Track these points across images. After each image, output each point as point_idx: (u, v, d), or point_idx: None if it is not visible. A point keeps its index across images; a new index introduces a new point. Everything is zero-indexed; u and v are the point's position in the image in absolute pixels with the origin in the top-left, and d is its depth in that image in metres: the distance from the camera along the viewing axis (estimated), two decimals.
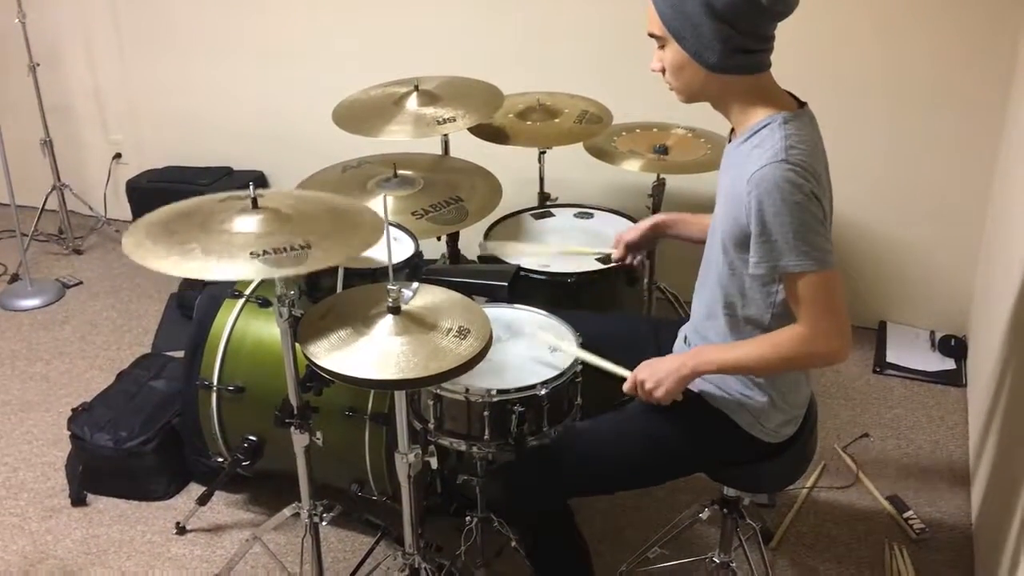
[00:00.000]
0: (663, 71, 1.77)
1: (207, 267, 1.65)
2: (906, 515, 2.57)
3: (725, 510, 2.20)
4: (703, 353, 1.83)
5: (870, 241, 3.36)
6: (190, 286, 3.50)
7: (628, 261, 2.32)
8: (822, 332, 1.69)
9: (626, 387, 1.87)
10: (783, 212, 1.61)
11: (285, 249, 1.68)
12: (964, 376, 3.18)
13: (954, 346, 3.27)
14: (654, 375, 1.82)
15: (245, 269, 1.65)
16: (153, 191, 3.92)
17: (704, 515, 2.26)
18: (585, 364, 2.02)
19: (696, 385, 1.91)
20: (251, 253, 1.66)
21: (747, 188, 1.64)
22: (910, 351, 3.31)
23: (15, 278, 3.87)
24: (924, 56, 3.07)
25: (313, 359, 1.68)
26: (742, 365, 1.79)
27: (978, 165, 3.14)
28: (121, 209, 4.19)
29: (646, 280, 2.94)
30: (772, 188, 1.61)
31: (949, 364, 3.24)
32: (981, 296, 3.15)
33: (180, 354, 2.68)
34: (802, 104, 1.78)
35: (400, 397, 1.84)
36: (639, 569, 2.36)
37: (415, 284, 1.82)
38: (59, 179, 4.02)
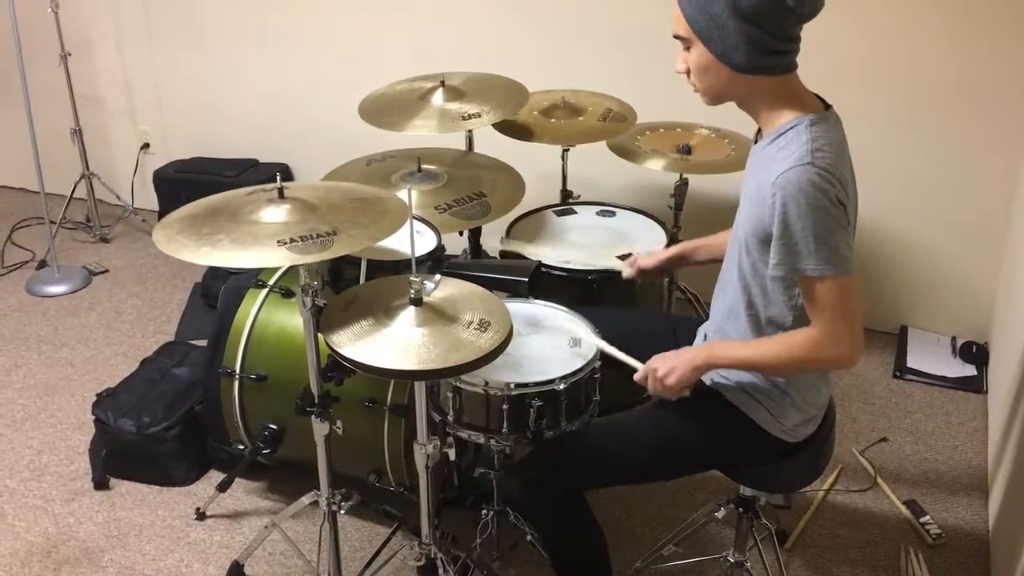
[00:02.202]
0: (688, 73, 1.77)
1: (236, 256, 1.68)
2: (923, 520, 2.57)
3: (741, 509, 2.21)
4: (718, 347, 1.85)
5: (893, 245, 3.35)
6: (214, 276, 3.53)
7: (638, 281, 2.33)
8: (835, 337, 1.70)
9: (637, 376, 1.89)
10: (806, 216, 1.62)
11: (311, 236, 1.71)
12: (985, 382, 3.17)
13: (975, 352, 3.26)
14: (667, 363, 1.84)
15: (273, 256, 1.68)
16: (180, 182, 3.96)
17: (720, 514, 2.27)
18: (604, 357, 2.04)
19: (714, 382, 1.92)
20: (278, 241, 1.69)
21: (772, 190, 1.65)
22: (931, 357, 3.29)
23: (43, 264, 3.92)
24: (949, 61, 3.05)
25: (335, 348, 1.70)
26: (754, 363, 1.80)
27: (1002, 171, 3.13)
28: (148, 199, 4.23)
29: (666, 279, 2.95)
30: (796, 191, 1.62)
31: (970, 370, 3.22)
32: (1004, 302, 3.14)
33: (203, 343, 2.72)
34: (828, 106, 1.78)
35: (420, 388, 1.86)
36: (653, 566, 2.37)
37: (437, 276, 1.84)
38: (88, 168, 4.07)
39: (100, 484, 2.72)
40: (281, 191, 1.85)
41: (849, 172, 1.75)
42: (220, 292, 2.63)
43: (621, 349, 2.00)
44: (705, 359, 1.83)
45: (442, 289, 1.84)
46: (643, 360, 1.91)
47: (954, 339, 3.37)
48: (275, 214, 1.80)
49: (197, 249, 1.70)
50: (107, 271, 3.93)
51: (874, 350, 3.36)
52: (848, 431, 2.94)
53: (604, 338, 2.09)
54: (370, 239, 1.77)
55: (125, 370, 3.00)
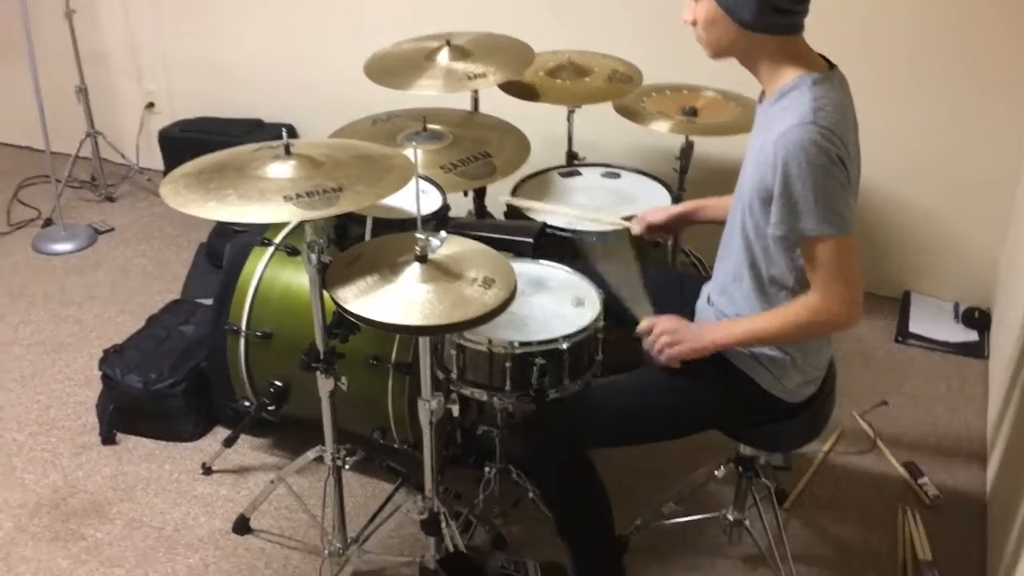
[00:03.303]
0: (694, 23, 1.77)
1: (242, 210, 1.69)
2: (920, 481, 2.59)
3: (741, 468, 2.24)
4: (723, 328, 1.87)
5: (897, 211, 3.35)
6: (220, 236, 3.55)
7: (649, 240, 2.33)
8: (835, 299, 1.71)
9: (642, 326, 1.91)
10: (807, 175, 1.63)
11: (317, 192, 1.72)
12: (986, 348, 3.18)
13: (978, 318, 3.27)
14: (675, 332, 1.85)
15: (279, 212, 1.69)
16: (185, 141, 3.96)
17: (720, 473, 2.30)
18: (610, 308, 2.04)
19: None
20: (284, 197, 1.70)
21: (774, 149, 1.66)
22: (933, 322, 3.30)
23: (48, 223, 3.93)
24: (956, 25, 3.03)
25: (341, 303, 1.72)
26: (760, 338, 1.82)
27: (1009, 138, 3.11)
28: (153, 158, 4.23)
29: (670, 242, 2.95)
30: (798, 150, 1.62)
31: (972, 336, 3.24)
32: (1007, 269, 3.14)
33: (209, 301, 2.73)
34: (832, 67, 1.78)
35: (424, 344, 1.88)
36: (653, 523, 2.40)
37: (443, 233, 1.85)
38: (93, 126, 4.07)
39: (107, 439, 2.75)
40: (287, 147, 1.85)
41: (852, 133, 1.75)
42: (226, 250, 2.65)
43: (626, 310, 2.02)
44: (712, 340, 1.86)
45: (447, 247, 1.86)
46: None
47: (957, 304, 3.37)
48: (281, 170, 1.81)
49: (204, 203, 1.71)
50: (113, 230, 3.95)
51: (876, 315, 3.37)
52: (849, 394, 2.96)
53: (606, 297, 2.11)
54: (376, 196, 1.78)
55: (131, 328, 3.02)
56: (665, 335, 1.86)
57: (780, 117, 1.69)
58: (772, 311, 1.82)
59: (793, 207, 1.65)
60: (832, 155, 1.63)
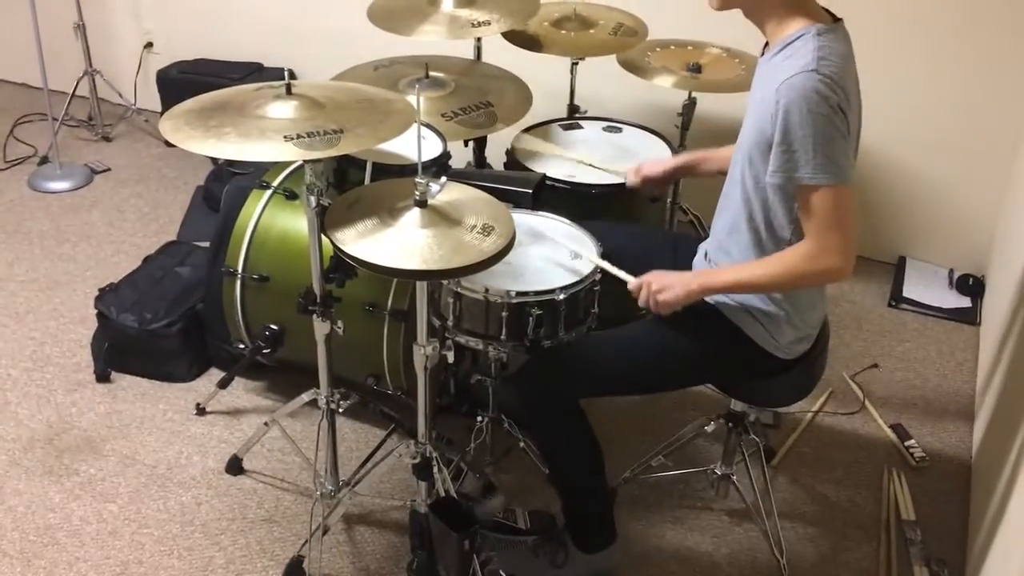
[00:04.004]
0: None
1: (242, 148, 1.68)
2: (907, 443, 2.62)
3: (730, 424, 2.26)
4: (713, 273, 1.88)
5: (895, 176, 3.35)
6: (216, 179, 3.53)
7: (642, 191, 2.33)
8: (829, 248, 1.71)
9: (631, 285, 1.93)
10: (807, 123, 1.63)
11: (318, 133, 1.71)
12: (979, 315, 3.20)
13: (971, 285, 3.28)
14: (663, 280, 1.87)
15: (279, 151, 1.68)
16: (183, 82, 3.92)
17: (709, 428, 2.32)
18: (603, 272, 2.06)
19: (713, 299, 1.94)
20: (285, 136, 1.69)
21: (775, 96, 1.66)
22: (927, 287, 3.32)
23: (44, 160, 3.91)
24: None
25: (339, 245, 1.72)
26: (750, 283, 1.83)
27: (1008, 105, 3.10)
28: (150, 99, 4.20)
29: (668, 199, 2.95)
30: (799, 97, 1.63)
31: (965, 302, 3.25)
32: (1002, 236, 3.15)
33: (205, 244, 2.73)
34: (836, 20, 1.77)
35: (421, 288, 1.88)
36: (641, 476, 2.43)
37: (443, 178, 1.84)
38: (91, 65, 4.02)
39: (102, 377, 2.76)
40: (289, 87, 1.84)
41: (854, 85, 1.75)
42: (223, 192, 2.64)
43: (621, 263, 2.02)
44: (701, 284, 1.86)
45: (447, 193, 1.85)
46: (640, 274, 1.93)
47: (951, 271, 3.39)
48: (282, 110, 1.80)
49: (204, 140, 1.70)
50: (109, 170, 3.92)
51: (871, 279, 3.38)
52: (840, 356, 2.98)
53: (605, 252, 2.11)
54: (376, 139, 1.77)
55: (127, 268, 3.02)
56: (653, 284, 1.87)
57: (782, 67, 1.69)
58: (766, 258, 1.83)
59: (792, 155, 1.65)
60: (833, 104, 1.63)
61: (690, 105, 2.86)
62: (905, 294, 3.28)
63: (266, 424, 2.43)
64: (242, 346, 2.60)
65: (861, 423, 2.74)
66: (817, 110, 1.62)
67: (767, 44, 1.82)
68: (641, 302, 1.91)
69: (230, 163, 3.38)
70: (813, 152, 1.64)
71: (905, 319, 3.21)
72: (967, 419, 2.76)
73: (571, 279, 2.05)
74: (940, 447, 2.65)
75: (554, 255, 2.15)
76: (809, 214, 1.71)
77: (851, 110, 1.68)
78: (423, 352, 1.92)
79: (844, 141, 1.66)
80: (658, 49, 2.91)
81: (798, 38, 1.69)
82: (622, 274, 1.99)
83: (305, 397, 2.29)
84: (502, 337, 2.05)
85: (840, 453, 2.62)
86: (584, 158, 2.62)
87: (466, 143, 2.75)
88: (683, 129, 2.89)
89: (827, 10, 1.78)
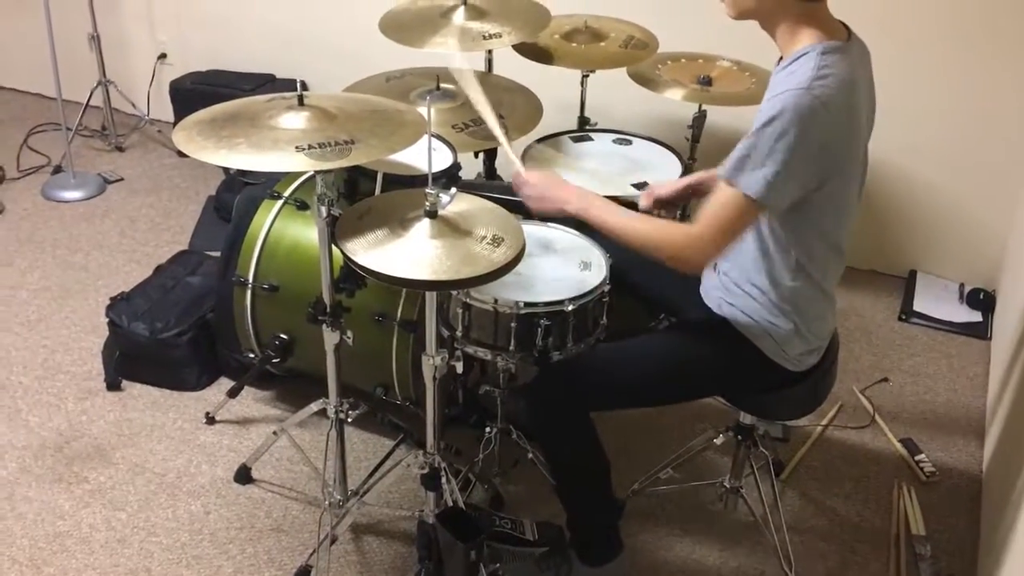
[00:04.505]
0: None
1: (254, 159, 1.69)
2: (917, 458, 2.61)
3: (739, 437, 2.25)
4: (593, 202, 1.91)
5: (906, 189, 3.34)
6: (228, 189, 3.55)
7: (655, 215, 2.34)
8: (704, 243, 1.75)
9: (514, 175, 2.00)
10: (774, 133, 1.64)
11: (330, 144, 1.72)
12: (990, 329, 3.19)
13: (982, 299, 3.27)
14: (544, 188, 1.95)
15: (291, 161, 1.69)
16: (196, 93, 3.94)
17: (718, 440, 2.31)
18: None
19: (722, 310, 1.94)
20: (296, 147, 1.70)
21: (764, 107, 1.69)
22: (938, 301, 3.31)
23: (58, 170, 3.94)
24: (972, 5, 3.01)
25: (350, 255, 1.73)
26: (618, 231, 1.86)
27: (1020, 119, 3.10)
28: (163, 110, 4.22)
29: (677, 212, 2.95)
30: (781, 109, 1.64)
31: (976, 316, 3.24)
32: (1013, 251, 3.14)
33: (216, 254, 2.74)
34: (850, 36, 1.77)
35: (430, 299, 1.89)
36: (650, 489, 2.43)
37: (453, 189, 1.85)
38: (105, 75, 4.05)
39: (113, 385, 2.77)
40: (301, 99, 1.85)
41: (864, 102, 1.74)
42: (235, 202, 2.65)
43: (631, 276, 2.03)
44: (576, 207, 1.91)
45: (457, 204, 1.86)
46: (653, 284, 1.94)
47: (962, 285, 3.38)
48: (294, 121, 1.81)
49: (216, 151, 1.71)
50: (122, 179, 3.95)
51: (881, 293, 3.38)
52: (850, 370, 2.97)
53: (615, 264, 2.12)
54: (387, 150, 1.78)
55: (138, 277, 3.04)
56: (533, 190, 1.95)
57: (783, 82, 1.70)
58: (648, 218, 1.90)
59: (742, 152, 1.68)
60: (810, 131, 1.63)
61: (700, 118, 2.86)
62: (916, 308, 3.27)
63: (275, 433, 2.44)
64: (252, 355, 2.61)
65: (871, 437, 2.72)
66: (790, 128, 1.63)
67: (781, 58, 1.82)
68: (516, 190, 1.98)
69: (242, 173, 3.40)
70: (762, 164, 1.66)
71: (915, 333, 3.20)
72: (978, 434, 2.75)
73: (580, 290, 2.05)
74: (950, 462, 2.64)
75: (563, 266, 2.15)
76: (714, 207, 1.74)
77: (845, 132, 1.69)
78: (432, 362, 1.93)
79: (790, 168, 1.66)
80: (669, 62, 2.91)
81: (803, 55, 1.70)
82: (517, 163, 2.07)
83: (314, 407, 2.30)
84: (511, 348, 2.06)
85: (850, 467, 2.61)
86: (595, 170, 2.63)
87: (476, 154, 2.76)
88: (693, 142, 2.88)
89: (844, 24, 1.78)
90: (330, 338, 2.08)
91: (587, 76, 2.97)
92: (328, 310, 2.04)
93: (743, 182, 1.68)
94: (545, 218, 1.97)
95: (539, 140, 2.81)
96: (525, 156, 2.71)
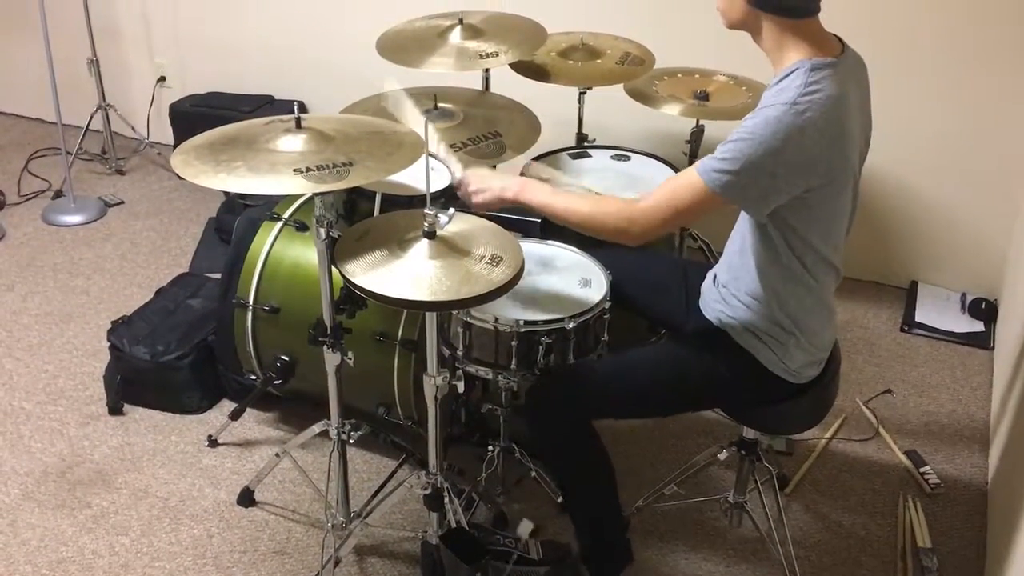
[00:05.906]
0: None
1: (252, 182, 1.69)
2: (922, 470, 2.60)
3: (743, 452, 2.24)
4: (532, 187, 1.93)
5: (907, 200, 3.34)
6: (228, 211, 3.56)
7: None
8: (655, 211, 1.78)
9: (454, 180, 2.03)
10: (751, 138, 1.65)
11: (328, 166, 1.72)
12: (992, 339, 3.18)
13: (984, 309, 3.27)
14: (483, 181, 1.97)
15: (289, 184, 1.69)
16: (195, 116, 3.96)
17: (722, 455, 2.30)
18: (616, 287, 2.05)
19: (721, 322, 1.94)
20: (295, 169, 1.71)
21: (749, 119, 1.70)
22: (940, 312, 3.30)
23: (59, 194, 3.95)
24: (969, 14, 3.02)
25: (349, 277, 1.73)
26: (558, 211, 1.88)
27: (1020, 128, 3.10)
28: (163, 132, 4.24)
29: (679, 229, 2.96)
30: (763, 122, 1.65)
31: (978, 326, 3.24)
32: (1015, 260, 3.14)
33: (217, 276, 2.75)
34: (843, 50, 1.77)
35: (431, 319, 1.88)
36: (654, 504, 2.42)
37: (451, 210, 1.85)
38: (104, 99, 4.07)
39: (114, 409, 2.77)
40: (298, 121, 1.86)
41: (856, 116, 1.74)
42: (235, 224, 2.66)
43: (631, 293, 2.03)
44: (515, 193, 1.92)
45: (455, 224, 1.86)
46: (655, 304, 1.93)
47: (964, 295, 3.37)
48: (292, 143, 1.81)
49: (214, 175, 1.71)
50: (122, 203, 3.96)
51: (883, 304, 3.37)
52: (853, 382, 2.96)
53: (615, 280, 2.12)
54: (385, 171, 1.78)
55: (139, 300, 3.04)
56: (471, 185, 1.97)
57: (772, 98, 1.70)
58: (591, 197, 1.94)
59: (719, 150, 1.70)
60: (788, 148, 1.63)
61: (698, 132, 2.87)
62: (918, 319, 3.27)
63: (277, 455, 2.43)
64: (253, 377, 2.61)
65: (875, 449, 2.72)
66: (770, 140, 1.64)
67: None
68: (461, 196, 2.00)
69: (241, 195, 3.41)
70: (731, 162, 1.67)
71: (918, 344, 3.19)
72: (982, 444, 2.74)
73: (580, 308, 2.05)
74: (956, 473, 2.63)
75: (563, 284, 2.15)
76: (672, 185, 1.77)
77: (832, 146, 1.68)
78: (433, 382, 1.93)
79: (759, 177, 1.67)
80: (665, 77, 2.92)
81: (793, 71, 1.70)
82: (452, 163, 2.08)
83: (316, 428, 2.30)
84: (512, 366, 2.06)
85: (854, 480, 2.60)
86: (593, 187, 2.63)
87: None
88: (691, 157, 2.89)
89: (838, 37, 1.79)
90: (331, 359, 2.08)
91: (584, 93, 2.98)
92: (329, 331, 2.04)
93: (702, 167, 1.71)
94: (490, 210, 1.98)
95: (537, 157, 2.81)
96: (523, 174, 2.72)
